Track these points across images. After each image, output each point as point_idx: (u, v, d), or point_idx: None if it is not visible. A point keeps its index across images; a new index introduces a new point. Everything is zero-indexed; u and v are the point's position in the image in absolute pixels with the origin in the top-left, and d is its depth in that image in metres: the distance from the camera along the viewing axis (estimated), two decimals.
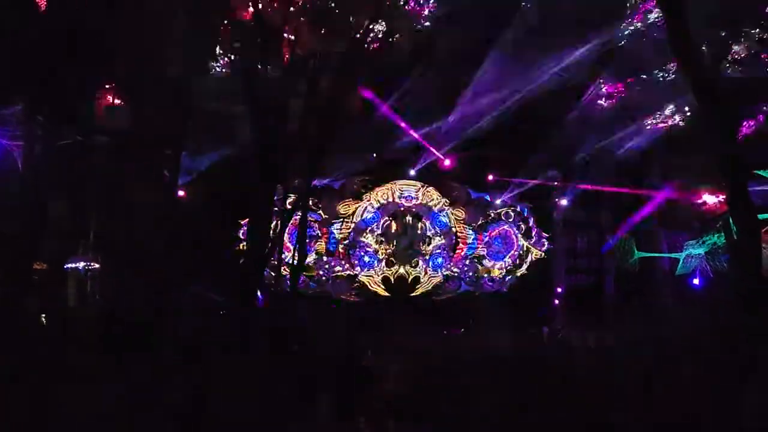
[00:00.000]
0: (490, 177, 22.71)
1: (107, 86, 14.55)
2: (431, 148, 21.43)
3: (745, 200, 9.45)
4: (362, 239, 22.32)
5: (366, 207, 22.55)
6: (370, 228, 22.42)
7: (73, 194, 15.23)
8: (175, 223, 13.08)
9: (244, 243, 18.57)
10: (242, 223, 19.84)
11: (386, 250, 22.34)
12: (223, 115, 17.41)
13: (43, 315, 14.15)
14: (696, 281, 21.19)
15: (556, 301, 22.76)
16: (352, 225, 22.41)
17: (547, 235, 23.36)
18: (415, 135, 20.76)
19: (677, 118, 19.52)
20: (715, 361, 7.05)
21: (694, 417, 4.75)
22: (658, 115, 19.75)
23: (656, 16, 16.48)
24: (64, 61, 11.60)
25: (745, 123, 17.65)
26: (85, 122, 13.98)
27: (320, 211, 22.07)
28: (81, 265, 17.55)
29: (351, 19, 15.05)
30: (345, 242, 22.29)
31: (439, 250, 22.68)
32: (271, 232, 15.85)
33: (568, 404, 5.91)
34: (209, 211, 18.66)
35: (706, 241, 20.22)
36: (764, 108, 17.90)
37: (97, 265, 17.56)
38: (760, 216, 15.37)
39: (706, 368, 6.88)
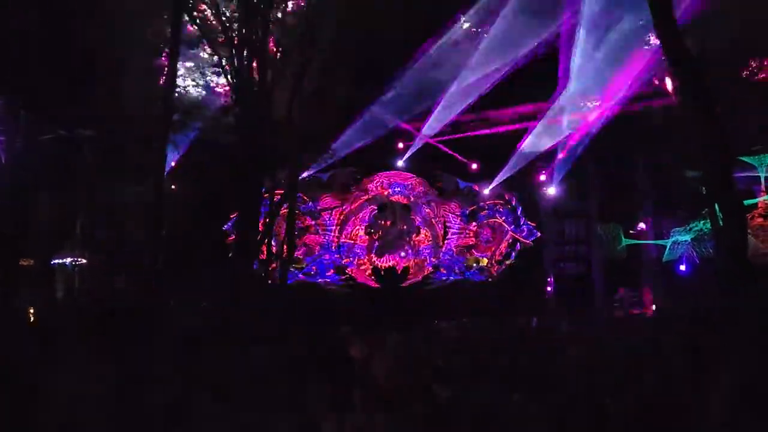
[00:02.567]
0: (474, 166, 22.79)
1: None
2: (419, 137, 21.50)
3: (729, 183, 9.50)
4: (351, 231, 22.32)
5: (355, 198, 22.52)
6: (359, 219, 22.41)
7: (60, 191, 15.10)
8: (164, 219, 13.00)
9: (234, 236, 18.51)
10: (231, 216, 19.78)
11: (375, 241, 22.35)
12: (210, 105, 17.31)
13: (31, 310, 14.06)
14: (683, 267, 21.44)
15: (549, 289, 22.95)
16: (341, 217, 22.40)
17: (535, 224, 23.48)
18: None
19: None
20: (700, 346, 7.11)
21: (682, 405, 4.82)
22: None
23: None
24: (55, 61, 11.51)
25: None
26: (73, 119, 13.85)
27: (309, 203, 22.03)
28: (68, 260, 17.43)
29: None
30: (334, 234, 22.28)
31: (428, 241, 22.74)
32: (260, 224, 15.81)
33: (560, 393, 5.95)
34: (197, 205, 18.57)
35: (693, 228, 20.43)
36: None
37: (83, 261, 17.45)
38: (746, 202, 15.60)
39: (690, 352, 6.94)
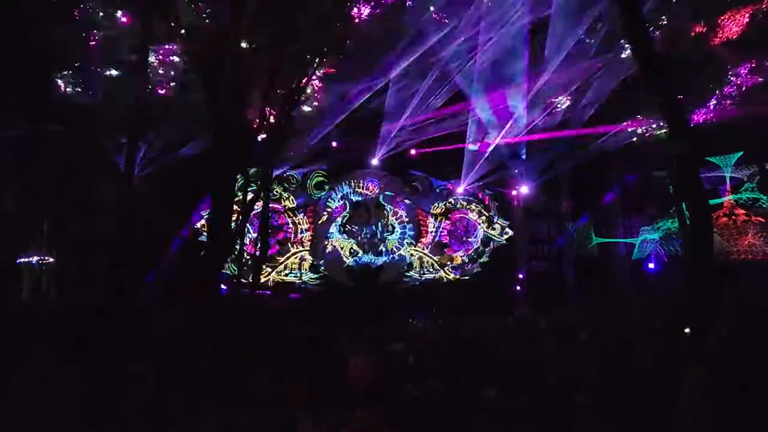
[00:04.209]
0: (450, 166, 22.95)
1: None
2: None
3: (696, 183, 9.71)
4: (326, 229, 22.25)
5: (329, 196, 22.48)
6: (333, 217, 22.36)
7: (26, 185, 14.74)
8: (133, 215, 12.79)
9: (205, 235, 18.28)
10: (203, 214, 19.54)
11: (350, 239, 22.33)
12: (182, 101, 17.09)
13: None
14: (651, 265, 21.88)
15: (518, 287, 23.21)
16: (316, 215, 22.32)
17: (508, 223, 23.72)
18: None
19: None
20: (669, 343, 7.28)
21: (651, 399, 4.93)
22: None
23: None
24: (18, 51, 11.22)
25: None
26: (38, 111, 13.53)
27: (283, 201, 21.91)
28: (35, 259, 17.01)
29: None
30: (309, 232, 22.19)
31: (402, 239, 22.79)
32: (233, 223, 15.63)
33: (532, 387, 6.04)
34: (168, 202, 18.29)
35: (661, 227, 20.86)
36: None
37: (51, 259, 17.07)
38: (711, 201, 15.96)
39: (659, 350, 7.09)
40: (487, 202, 23.80)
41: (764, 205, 19.29)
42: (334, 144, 21.52)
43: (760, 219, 19.32)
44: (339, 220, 22.37)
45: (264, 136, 16.04)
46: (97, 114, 14.09)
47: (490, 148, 21.59)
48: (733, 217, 19.50)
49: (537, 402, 5.67)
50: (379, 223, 22.62)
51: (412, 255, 22.85)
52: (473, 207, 23.64)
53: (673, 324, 9.16)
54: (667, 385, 5.25)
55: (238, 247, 16.25)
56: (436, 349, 8.78)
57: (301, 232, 22.16)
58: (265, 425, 5.67)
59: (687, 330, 7.56)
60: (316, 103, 18.71)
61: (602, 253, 23.11)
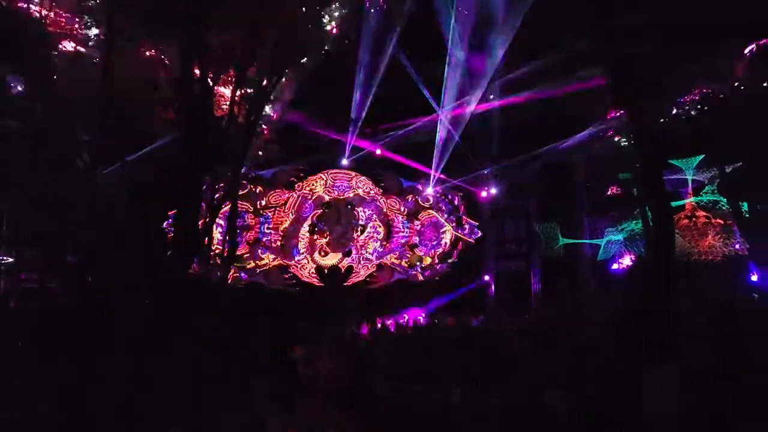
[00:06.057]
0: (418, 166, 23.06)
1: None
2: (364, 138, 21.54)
3: (659, 186, 9.94)
4: (295, 229, 22.11)
5: (299, 196, 22.34)
6: (303, 217, 22.24)
7: None
8: (97, 213, 12.49)
9: (172, 234, 17.98)
10: (169, 214, 19.20)
11: (319, 239, 22.23)
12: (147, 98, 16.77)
13: None
14: (615, 266, 22.34)
15: (492, 288, 23.44)
16: (285, 215, 22.16)
17: (477, 223, 23.92)
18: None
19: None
20: (631, 342, 7.41)
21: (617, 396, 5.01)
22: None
23: None
24: None
25: None
26: None
27: (252, 201, 21.70)
28: None
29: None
30: (277, 232, 22.02)
31: (372, 239, 22.79)
32: (200, 222, 15.41)
33: (501, 385, 6.09)
34: (133, 200, 17.92)
35: (625, 228, 21.31)
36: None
37: (11, 259, 16.60)
38: (673, 203, 16.36)
39: (622, 348, 7.22)
40: (456, 202, 23.95)
41: (724, 207, 19.84)
42: (305, 144, 21.43)
43: (719, 221, 19.86)
44: (308, 219, 22.26)
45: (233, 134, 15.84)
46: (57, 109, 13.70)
47: None
48: (694, 218, 20.01)
49: (505, 401, 5.72)
50: (349, 223, 22.57)
51: (381, 255, 22.86)
52: (442, 207, 23.78)
53: (636, 324, 9.34)
54: (633, 384, 5.36)
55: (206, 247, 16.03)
56: (406, 349, 8.80)
57: (270, 233, 21.96)
58: (235, 426, 5.61)
59: (647, 330, 7.72)
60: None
61: (569, 253, 23.49)
